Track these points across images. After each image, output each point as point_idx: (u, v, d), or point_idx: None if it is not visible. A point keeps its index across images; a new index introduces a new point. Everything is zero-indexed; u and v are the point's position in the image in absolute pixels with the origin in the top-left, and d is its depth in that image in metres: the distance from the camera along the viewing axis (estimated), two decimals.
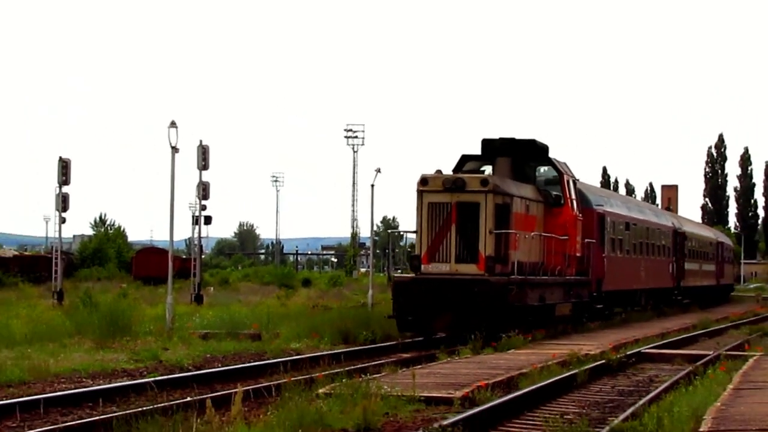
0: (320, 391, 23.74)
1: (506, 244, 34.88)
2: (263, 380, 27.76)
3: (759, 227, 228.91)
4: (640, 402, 24.46)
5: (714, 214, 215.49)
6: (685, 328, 53.61)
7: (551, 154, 41.30)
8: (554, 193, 40.62)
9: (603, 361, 33.95)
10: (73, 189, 65.58)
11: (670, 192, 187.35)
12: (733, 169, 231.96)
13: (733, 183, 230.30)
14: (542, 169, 41.75)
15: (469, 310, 32.60)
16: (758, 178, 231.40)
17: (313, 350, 35.32)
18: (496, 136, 39.94)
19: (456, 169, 39.22)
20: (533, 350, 37.71)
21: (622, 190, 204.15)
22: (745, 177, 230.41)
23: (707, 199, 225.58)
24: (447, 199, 34.33)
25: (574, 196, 41.31)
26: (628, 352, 37.65)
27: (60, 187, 65.13)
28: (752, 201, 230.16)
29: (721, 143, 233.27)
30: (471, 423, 20.86)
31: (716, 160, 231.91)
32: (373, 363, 31.40)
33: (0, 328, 38.70)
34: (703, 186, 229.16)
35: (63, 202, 65.22)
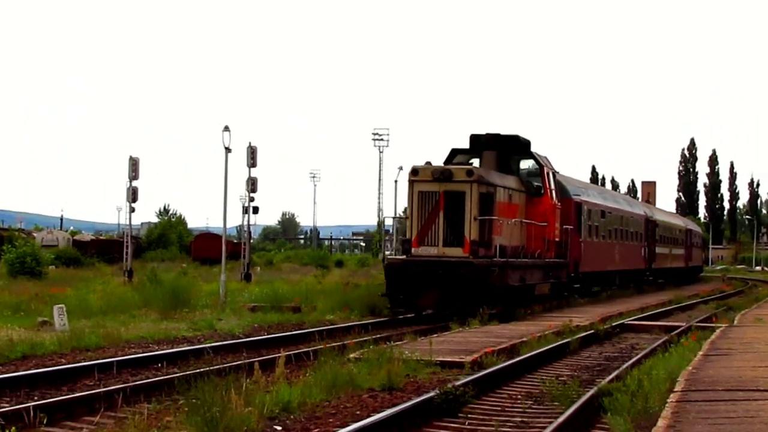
0: (351, 356, 23.76)
1: (489, 229, 34.13)
2: (302, 346, 27.71)
3: (725, 218, 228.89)
4: (624, 366, 24.45)
5: (686, 206, 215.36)
6: (661, 303, 53.46)
7: (534, 149, 40.79)
8: (536, 183, 40.05)
9: (592, 331, 33.92)
10: (141, 183, 65.85)
11: (649, 187, 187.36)
12: (702, 168, 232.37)
13: (702, 180, 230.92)
14: (525, 162, 41.02)
15: (454, 289, 32.09)
16: (724, 176, 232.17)
17: (344, 321, 35.29)
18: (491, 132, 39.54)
19: (446, 162, 38.60)
20: (532, 322, 37.71)
21: (609, 186, 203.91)
22: (713, 175, 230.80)
23: (681, 194, 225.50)
24: (435, 188, 33.73)
25: (553, 187, 40.66)
26: (613, 324, 37.65)
27: (130, 182, 65.51)
28: (719, 195, 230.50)
29: (692, 146, 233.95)
30: (479, 383, 20.99)
31: (689, 160, 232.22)
32: (396, 332, 31.29)
33: (79, 301, 38.80)
34: (677, 182, 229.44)
35: (133, 195, 65.64)
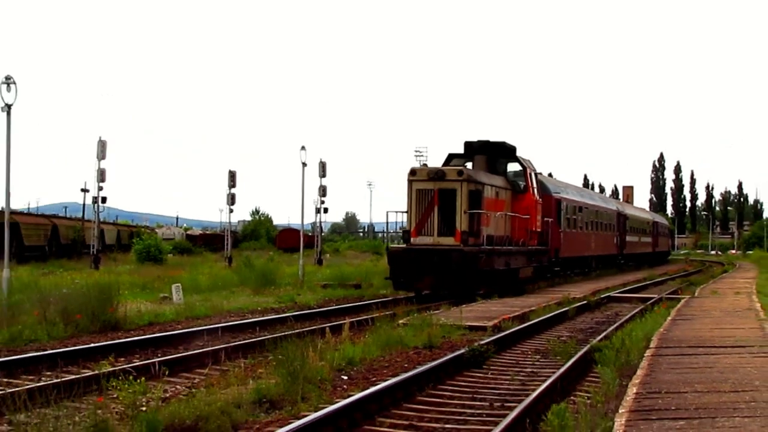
0: (400, 322, 23.76)
1: (478, 221, 33.00)
2: (362, 315, 27.68)
3: (687, 214, 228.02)
4: (610, 329, 24.37)
5: (657, 205, 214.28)
6: (638, 280, 53.31)
7: (522, 154, 39.54)
8: (520, 183, 38.79)
9: (585, 301, 33.85)
10: (238, 190, 66.27)
11: (628, 190, 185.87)
12: (669, 175, 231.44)
13: (669, 184, 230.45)
14: (512, 164, 39.45)
15: (447, 273, 31.20)
16: (686, 182, 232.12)
17: (394, 295, 35.24)
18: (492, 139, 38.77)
19: (444, 164, 37.22)
20: (539, 295, 37.63)
21: (597, 189, 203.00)
22: (678, 181, 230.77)
23: (652, 195, 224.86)
24: (431, 186, 32.69)
25: (535, 185, 39.55)
26: (602, 296, 37.60)
27: (230, 189, 65.91)
28: (682, 196, 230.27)
29: (661, 158, 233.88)
30: (498, 342, 21.08)
31: (658, 169, 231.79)
32: (434, 304, 31.21)
33: (191, 281, 39.00)
34: (650, 186, 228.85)
35: (231, 199, 66.04)
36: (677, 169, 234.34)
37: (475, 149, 37.67)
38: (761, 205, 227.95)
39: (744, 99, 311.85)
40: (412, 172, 32.76)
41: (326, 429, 11.96)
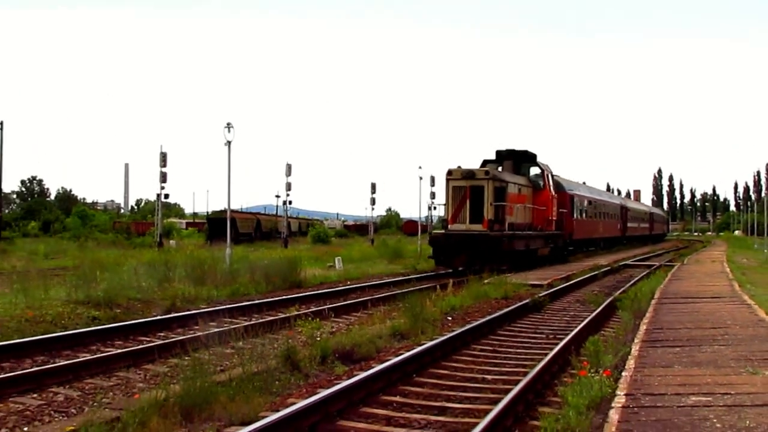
0: (485, 281, 23.62)
1: (502, 212, 30.21)
2: (460, 278, 27.63)
3: (677, 208, 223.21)
4: (627, 286, 23.97)
5: (657, 202, 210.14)
6: (644, 253, 52.38)
7: (541, 160, 36.77)
8: (540, 182, 35.88)
9: (608, 267, 33.34)
10: (378, 195, 66.63)
11: (636, 192, 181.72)
12: (665, 182, 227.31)
13: (665, 189, 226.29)
14: (533, 168, 36.36)
15: (476, 253, 28.79)
16: (677, 186, 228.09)
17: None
18: (518, 148, 36.22)
19: (480, 167, 33.44)
20: (577, 263, 37.19)
21: (615, 192, 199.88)
22: (671, 186, 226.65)
23: (654, 196, 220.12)
24: (464, 183, 29.93)
25: (551, 184, 36.69)
26: (620, 264, 37.00)
27: (371, 194, 66.25)
28: (674, 197, 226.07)
29: (659, 172, 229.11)
30: (551, 295, 20.90)
31: (657, 178, 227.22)
32: (509, 271, 30.97)
33: (347, 255, 39.16)
34: (651, 189, 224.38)
35: (372, 202, 66.51)
36: (670, 178, 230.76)
37: (503, 156, 35.49)
38: (728, 202, 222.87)
39: (722, 126, 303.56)
40: (449, 172, 30.46)
41: (437, 353, 12.00)
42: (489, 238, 28.66)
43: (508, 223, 30.48)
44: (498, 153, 35.56)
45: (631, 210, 68.87)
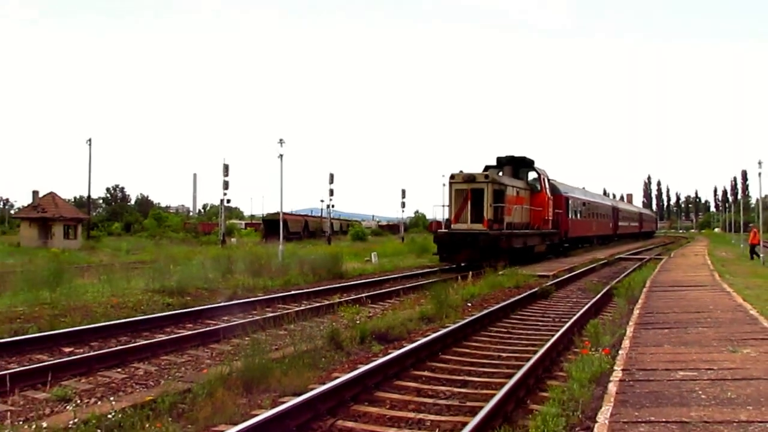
0: (500, 272, 23.52)
1: (501, 212, 28.62)
2: (478, 270, 27.53)
3: (665, 209, 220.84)
4: (621, 276, 23.74)
5: (646, 205, 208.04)
6: (636, 248, 51.87)
7: (538, 165, 34.98)
8: (537, 185, 34.18)
9: (605, 260, 33.06)
10: (407, 199, 66.61)
11: (629, 196, 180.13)
12: (654, 187, 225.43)
13: (654, 192, 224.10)
14: (531, 173, 34.60)
15: (477, 250, 27.33)
16: (664, 191, 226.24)
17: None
18: (517, 155, 34.60)
19: (482, 171, 31.38)
20: (578, 257, 36.84)
21: (611, 195, 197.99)
22: (658, 191, 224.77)
23: (644, 199, 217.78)
24: (465, 186, 28.46)
25: (547, 187, 35.20)
26: (616, 257, 36.64)
27: (402, 197, 66.29)
28: (662, 200, 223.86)
29: (649, 179, 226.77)
30: (556, 284, 20.80)
31: (647, 185, 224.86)
32: (511, 265, 30.79)
33: (382, 251, 39.17)
34: (642, 193, 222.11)
35: (403, 206, 66.57)
36: (658, 184, 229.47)
37: (504, 162, 34.01)
38: (709, 203, 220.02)
39: (704, 137, 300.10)
40: (452, 176, 28.99)
41: (459, 332, 11.96)
42: (488, 236, 27.38)
43: (507, 222, 29.24)
44: (498, 159, 34.27)
45: (622, 211, 67.75)
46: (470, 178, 28.68)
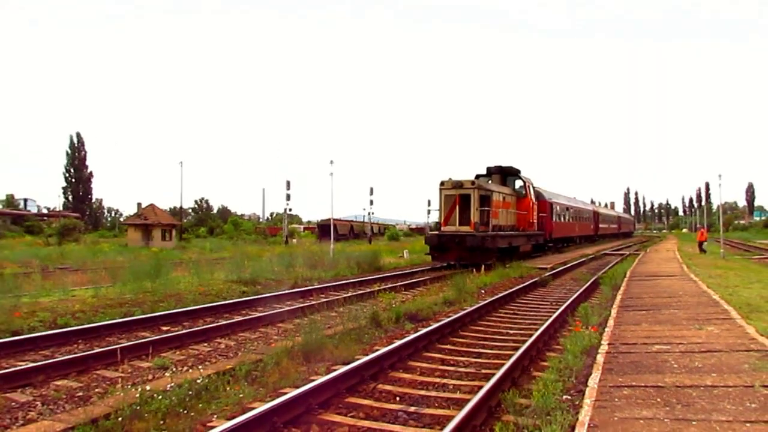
0: (507, 266, 23.32)
1: (487, 215, 26.17)
2: (490, 264, 27.23)
3: (641, 214, 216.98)
4: (606, 268, 23.34)
5: (627, 210, 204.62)
6: (618, 245, 51.15)
7: (524, 174, 32.36)
8: (523, 192, 31.45)
9: (593, 255, 32.56)
10: (433, 206, 65.99)
11: (612, 204, 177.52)
12: (632, 196, 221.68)
13: (632, 200, 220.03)
14: (517, 180, 31.86)
15: (464, 250, 24.92)
16: (641, 200, 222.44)
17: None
18: (509, 165, 32.05)
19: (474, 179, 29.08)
20: (570, 253, 36.43)
21: (597, 203, 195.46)
22: (636, 200, 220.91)
23: (624, 205, 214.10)
24: (454, 192, 25.74)
25: (532, 193, 32.56)
26: (601, 252, 36.11)
27: (428, 205, 65.73)
28: (640, 206, 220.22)
29: (628, 191, 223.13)
30: (553, 275, 20.41)
31: (627, 195, 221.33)
32: (523, 259, 30.41)
33: (412, 248, 39.01)
34: (623, 201, 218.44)
35: (428, 213, 65.76)
36: (636, 193, 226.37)
37: (492, 171, 31.55)
38: (678, 209, 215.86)
39: (673, 153, 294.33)
40: (442, 183, 26.26)
41: (475, 314, 11.87)
42: (475, 237, 25.18)
43: (493, 225, 27.14)
44: (488, 168, 32.07)
45: (602, 214, 66.30)
46: (458, 185, 26.46)
